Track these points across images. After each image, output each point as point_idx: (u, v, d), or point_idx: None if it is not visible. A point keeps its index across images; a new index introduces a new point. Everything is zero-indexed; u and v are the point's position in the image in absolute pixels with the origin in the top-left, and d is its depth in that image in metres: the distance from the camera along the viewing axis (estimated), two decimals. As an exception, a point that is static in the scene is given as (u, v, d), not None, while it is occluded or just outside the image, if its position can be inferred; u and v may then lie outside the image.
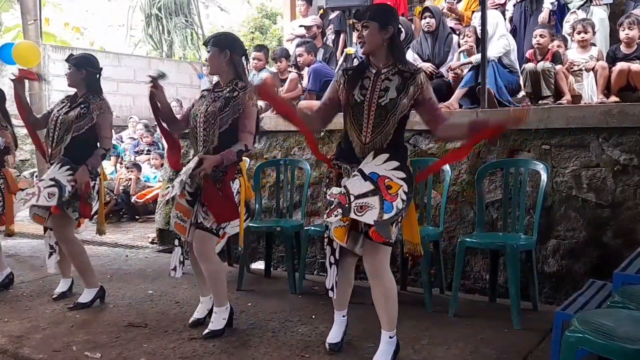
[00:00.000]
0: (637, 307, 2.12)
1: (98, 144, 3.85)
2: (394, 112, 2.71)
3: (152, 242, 6.00)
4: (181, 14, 16.29)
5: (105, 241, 5.95)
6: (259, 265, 4.97)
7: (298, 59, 5.92)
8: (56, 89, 10.82)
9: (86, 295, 3.92)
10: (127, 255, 5.58)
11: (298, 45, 6.01)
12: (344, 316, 3.10)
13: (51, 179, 3.70)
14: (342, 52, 6.33)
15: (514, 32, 5.69)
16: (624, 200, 3.70)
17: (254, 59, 6.29)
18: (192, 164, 3.12)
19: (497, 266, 3.93)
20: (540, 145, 3.97)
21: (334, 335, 3.08)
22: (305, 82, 5.81)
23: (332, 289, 2.89)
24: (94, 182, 3.84)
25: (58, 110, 3.87)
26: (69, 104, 3.88)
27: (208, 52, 3.26)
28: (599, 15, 5.38)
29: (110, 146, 3.99)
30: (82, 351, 3.11)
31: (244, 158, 3.30)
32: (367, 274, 2.84)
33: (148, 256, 5.56)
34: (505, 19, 5.78)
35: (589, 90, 4.85)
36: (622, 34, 4.58)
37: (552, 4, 5.58)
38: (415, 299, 3.56)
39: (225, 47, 3.22)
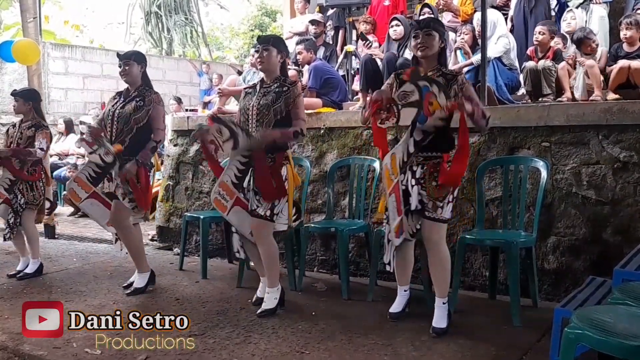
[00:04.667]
0: (637, 303, 2.12)
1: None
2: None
3: (152, 240, 6.00)
4: (181, 11, 16.26)
5: (106, 238, 5.95)
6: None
7: (297, 56, 5.92)
8: (56, 86, 10.82)
9: (140, 280, 4.17)
10: (127, 253, 5.56)
11: (297, 43, 6.00)
12: (405, 290, 3.50)
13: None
14: (342, 48, 6.33)
15: (513, 30, 5.69)
16: (624, 198, 3.70)
17: (253, 56, 6.28)
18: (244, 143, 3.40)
19: (497, 263, 3.93)
20: (540, 142, 3.97)
21: (396, 306, 3.48)
22: (305, 79, 5.81)
23: (389, 264, 3.33)
24: (148, 173, 4.04)
25: (113, 106, 4.05)
26: (122, 99, 4.06)
27: (264, 50, 3.54)
28: (599, 13, 5.38)
29: (162, 138, 4.08)
30: (82, 348, 3.12)
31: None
32: (426, 247, 3.29)
33: (148, 253, 5.50)
34: (508, 17, 5.80)
35: (580, 86, 4.81)
36: (622, 34, 4.59)
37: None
38: (415, 296, 3.57)
39: (282, 49, 3.61)
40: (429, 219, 3.19)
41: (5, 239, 4.72)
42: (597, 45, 4.86)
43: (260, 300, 3.71)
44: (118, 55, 4.14)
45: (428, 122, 3.06)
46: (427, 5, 5.67)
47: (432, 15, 5.42)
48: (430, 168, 3.18)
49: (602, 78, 4.67)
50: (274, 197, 3.46)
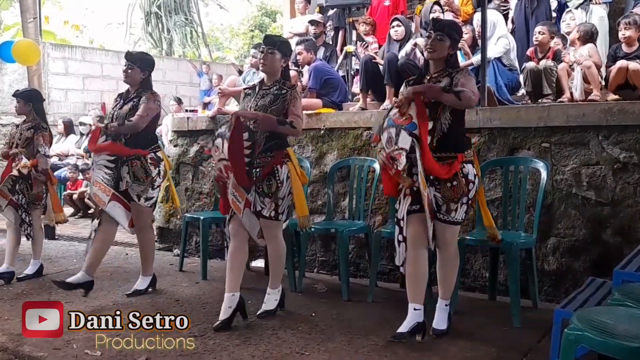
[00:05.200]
0: (637, 304, 2.12)
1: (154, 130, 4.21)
2: (444, 106, 3.06)
3: (152, 240, 5.98)
4: (181, 12, 16.28)
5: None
6: (259, 263, 4.98)
7: (297, 57, 5.92)
8: (56, 87, 10.82)
9: (142, 282, 4.21)
10: (126, 254, 5.58)
11: (297, 44, 6.00)
12: (416, 309, 3.11)
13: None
14: (342, 49, 6.33)
15: (515, 31, 5.69)
16: (624, 198, 3.70)
17: (253, 57, 6.29)
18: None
19: (497, 264, 3.93)
20: (540, 143, 3.97)
21: (402, 326, 3.11)
22: (305, 80, 5.81)
23: (402, 265, 3.16)
24: (157, 168, 4.06)
25: (113, 108, 4.15)
26: (122, 100, 4.13)
27: (269, 52, 3.51)
28: (599, 13, 5.38)
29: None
30: (82, 349, 3.12)
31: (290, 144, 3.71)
32: (437, 247, 3.21)
33: (148, 254, 5.55)
34: (509, 18, 5.81)
35: (579, 86, 4.80)
36: (620, 34, 4.58)
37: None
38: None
39: (287, 54, 3.61)
40: (442, 221, 3.13)
41: (27, 239, 4.76)
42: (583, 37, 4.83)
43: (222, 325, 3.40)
44: (126, 54, 4.17)
45: (417, 123, 3.01)
46: (437, 2, 5.68)
47: (442, 14, 5.48)
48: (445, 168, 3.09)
49: (600, 78, 4.66)
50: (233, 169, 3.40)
